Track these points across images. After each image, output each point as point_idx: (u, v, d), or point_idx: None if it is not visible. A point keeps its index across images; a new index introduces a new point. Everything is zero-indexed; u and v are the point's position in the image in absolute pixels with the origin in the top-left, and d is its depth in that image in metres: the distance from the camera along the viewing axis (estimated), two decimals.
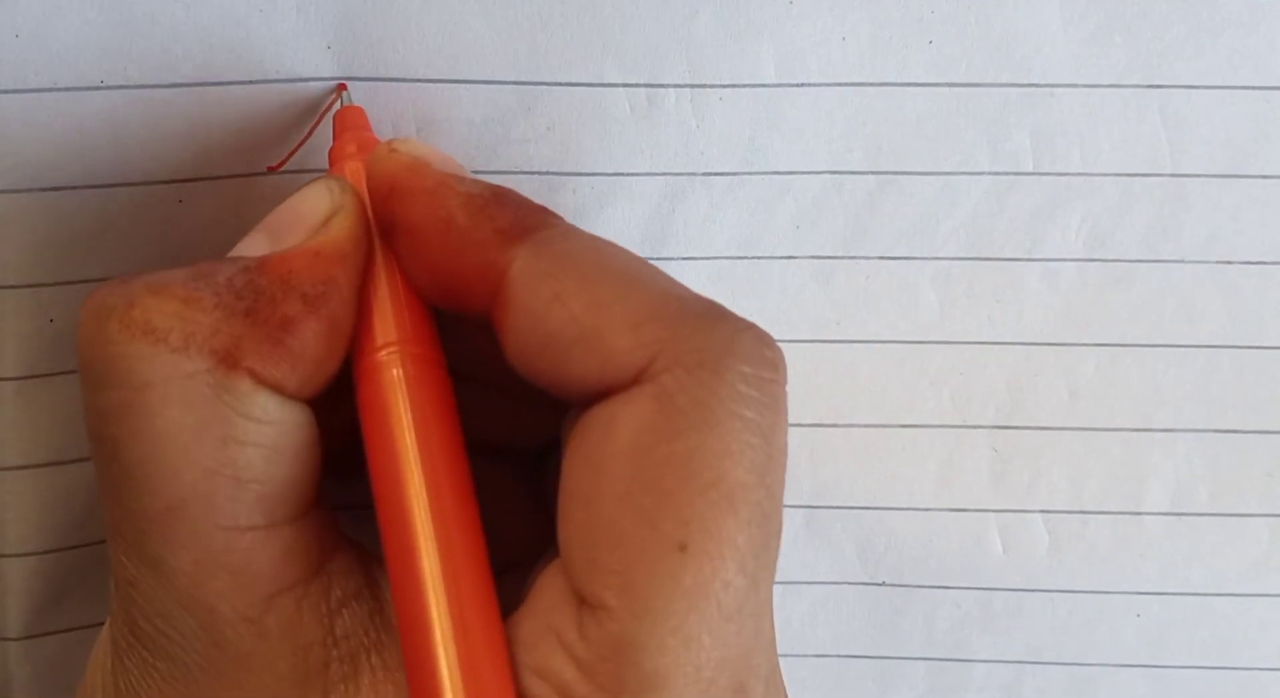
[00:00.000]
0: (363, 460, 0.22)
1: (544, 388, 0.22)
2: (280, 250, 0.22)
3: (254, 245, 0.23)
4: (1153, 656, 0.32)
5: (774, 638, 0.22)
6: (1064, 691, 0.32)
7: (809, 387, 0.30)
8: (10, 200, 0.26)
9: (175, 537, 0.21)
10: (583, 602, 0.20)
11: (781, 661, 0.22)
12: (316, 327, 0.22)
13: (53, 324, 0.27)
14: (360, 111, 0.26)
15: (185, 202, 0.27)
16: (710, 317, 0.21)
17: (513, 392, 0.23)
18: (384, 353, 0.22)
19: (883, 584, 0.31)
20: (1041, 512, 0.31)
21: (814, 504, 0.31)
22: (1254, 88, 0.28)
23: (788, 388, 0.21)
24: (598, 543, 0.20)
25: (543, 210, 0.23)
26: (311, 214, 0.23)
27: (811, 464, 0.30)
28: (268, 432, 0.21)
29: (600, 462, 0.21)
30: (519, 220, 0.22)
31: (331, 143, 0.26)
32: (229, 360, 0.21)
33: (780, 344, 0.21)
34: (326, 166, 0.26)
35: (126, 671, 0.21)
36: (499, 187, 0.23)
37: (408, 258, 0.23)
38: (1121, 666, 0.32)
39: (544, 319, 0.21)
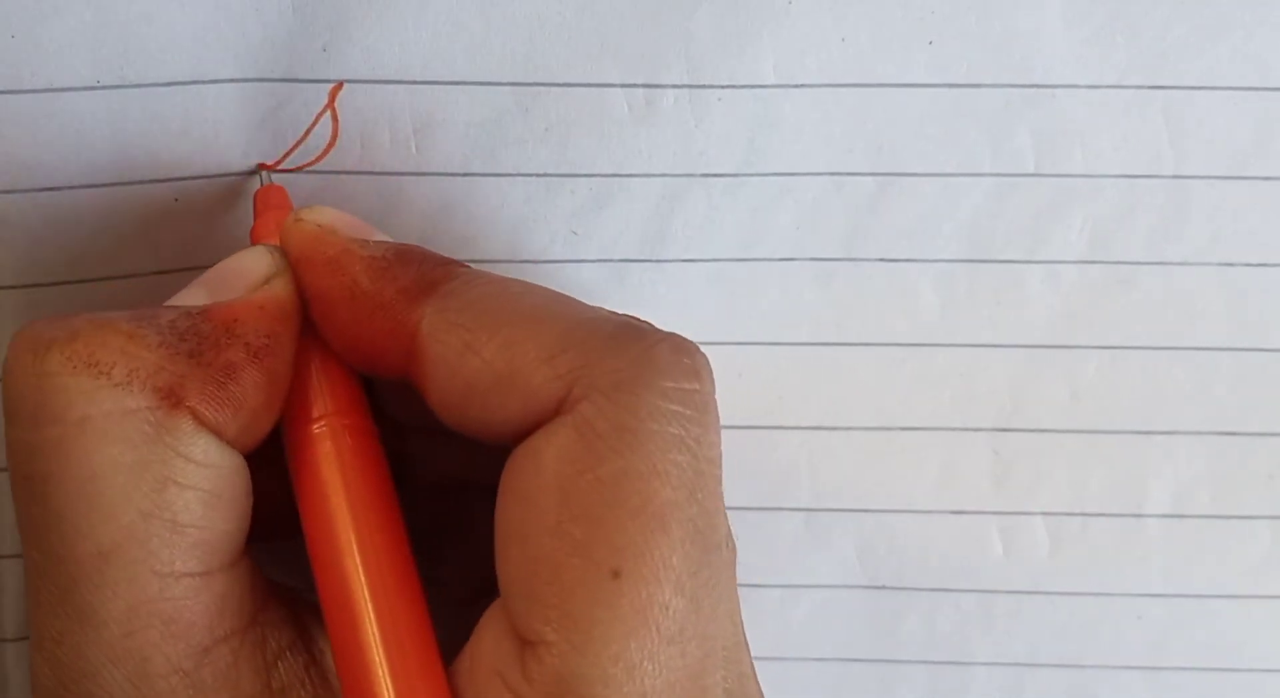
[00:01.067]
0: (284, 520, 0.23)
1: (475, 437, 0.22)
2: (223, 301, 0.22)
3: (191, 297, 0.23)
4: (1154, 658, 0.32)
5: (738, 651, 0.22)
6: (1065, 693, 0.32)
7: (809, 389, 0.30)
8: (6, 201, 0.26)
9: (107, 582, 0.20)
10: (525, 641, 0.20)
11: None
12: (258, 377, 0.22)
13: None
14: (281, 191, 0.26)
15: (181, 200, 0.27)
16: (622, 336, 0.21)
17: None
18: (317, 426, 0.23)
19: (883, 587, 0.31)
20: (1042, 514, 0.31)
21: (814, 507, 0.30)
22: (1257, 89, 0.28)
23: (715, 395, 0.21)
24: (534, 578, 0.20)
25: (447, 262, 0.23)
26: (252, 272, 0.23)
27: (811, 467, 0.30)
28: (207, 475, 0.21)
29: (529, 496, 0.20)
30: (422, 276, 0.22)
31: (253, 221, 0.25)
32: (172, 399, 0.21)
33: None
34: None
35: None
36: (403, 245, 0.23)
37: (322, 326, 0.23)
38: (1122, 668, 0.32)
39: (459, 370, 0.21)
